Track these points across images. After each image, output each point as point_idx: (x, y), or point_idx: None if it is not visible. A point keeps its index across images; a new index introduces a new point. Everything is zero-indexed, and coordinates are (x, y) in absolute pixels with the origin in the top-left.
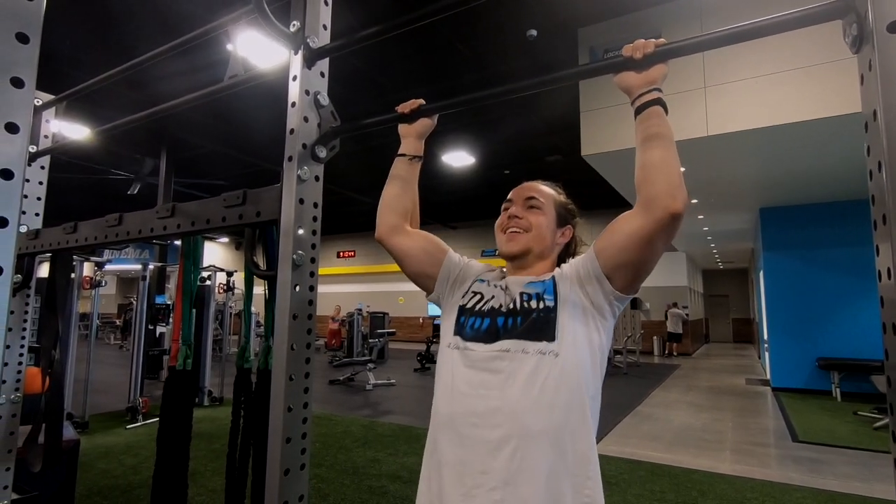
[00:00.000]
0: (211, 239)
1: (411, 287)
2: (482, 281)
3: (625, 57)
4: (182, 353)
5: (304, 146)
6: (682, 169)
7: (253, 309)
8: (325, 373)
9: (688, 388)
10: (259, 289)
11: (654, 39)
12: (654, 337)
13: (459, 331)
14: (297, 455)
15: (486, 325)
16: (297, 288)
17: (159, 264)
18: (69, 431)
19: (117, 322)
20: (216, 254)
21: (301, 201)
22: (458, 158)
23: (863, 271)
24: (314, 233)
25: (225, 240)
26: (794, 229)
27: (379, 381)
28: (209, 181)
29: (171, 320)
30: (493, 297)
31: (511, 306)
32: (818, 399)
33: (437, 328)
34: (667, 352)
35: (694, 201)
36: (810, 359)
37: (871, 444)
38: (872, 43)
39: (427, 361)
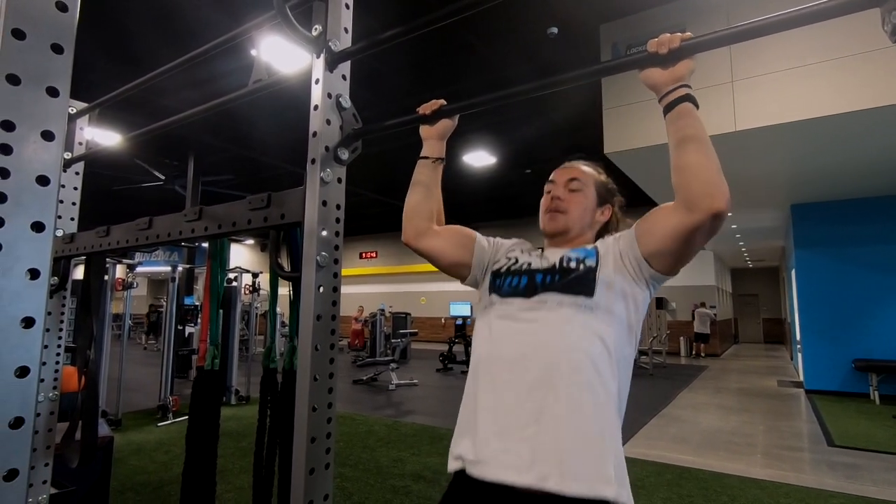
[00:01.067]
0: (237, 241)
1: (433, 287)
2: (516, 250)
3: (649, 52)
4: (210, 354)
5: (327, 149)
6: None
7: (278, 310)
8: (349, 373)
9: (716, 390)
10: (284, 289)
11: (679, 34)
12: (681, 337)
13: (496, 289)
14: (322, 455)
15: (524, 282)
16: (321, 289)
17: (188, 266)
18: (103, 429)
19: (150, 320)
20: (242, 255)
21: (324, 203)
22: (479, 158)
23: None
24: (337, 234)
25: (250, 242)
26: (828, 226)
27: (402, 381)
28: (228, 183)
29: (199, 321)
30: (528, 261)
31: (550, 266)
32: (855, 402)
33: (458, 328)
34: (694, 352)
35: None
36: (846, 360)
37: None
38: None
39: (449, 361)
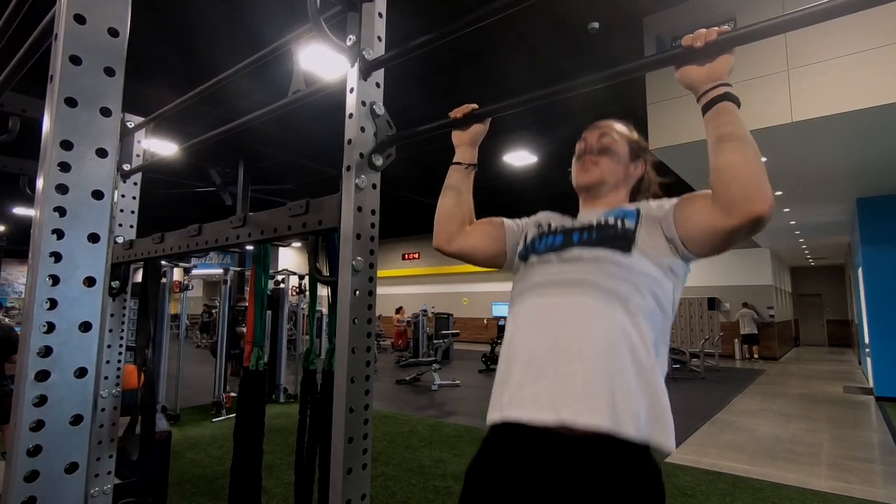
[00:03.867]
0: (285, 245)
1: (475, 288)
2: (548, 218)
3: (684, 47)
4: (255, 355)
5: (361, 156)
6: (765, 159)
7: (324, 310)
8: (392, 373)
9: (775, 396)
10: (324, 290)
11: (717, 27)
12: (735, 339)
13: (534, 250)
14: (359, 455)
15: (559, 240)
16: (357, 293)
17: (238, 269)
18: (162, 423)
19: (202, 319)
20: (289, 258)
21: (359, 209)
22: (520, 158)
23: None
24: (372, 239)
25: (297, 245)
26: None
27: (444, 382)
28: (281, 188)
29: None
30: (562, 223)
31: (587, 224)
32: None
33: (501, 329)
34: (747, 355)
35: (778, 193)
36: None
37: None
38: None
39: (492, 362)
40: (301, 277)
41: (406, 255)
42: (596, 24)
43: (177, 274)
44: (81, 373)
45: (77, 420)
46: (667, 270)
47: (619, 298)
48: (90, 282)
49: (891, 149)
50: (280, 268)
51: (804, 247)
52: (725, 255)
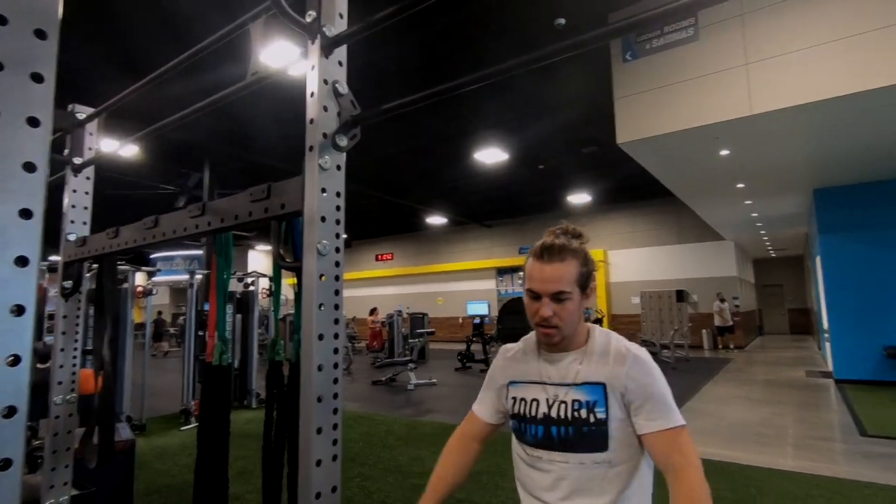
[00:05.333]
0: (243, 242)
1: (449, 287)
2: (514, 383)
3: None
4: (218, 349)
5: (325, 136)
6: (727, 152)
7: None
8: (368, 374)
9: (742, 382)
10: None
11: None
12: (703, 330)
13: (521, 438)
14: (329, 446)
15: (541, 433)
16: (323, 277)
17: (206, 272)
18: (126, 432)
19: (171, 330)
20: (259, 261)
21: (323, 190)
22: (491, 155)
23: None
24: (338, 222)
25: (267, 248)
26: (853, 210)
27: (420, 381)
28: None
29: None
30: (536, 398)
31: (563, 416)
32: (887, 390)
33: (476, 327)
34: (721, 346)
35: (740, 186)
36: (876, 348)
37: None
38: None
39: (467, 360)
40: (272, 279)
41: (379, 256)
42: (562, 21)
43: (139, 278)
44: (15, 360)
45: (10, 412)
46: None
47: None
48: (22, 261)
49: (845, 140)
50: (249, 270)
51: (765, 238)
52: (692, 248)
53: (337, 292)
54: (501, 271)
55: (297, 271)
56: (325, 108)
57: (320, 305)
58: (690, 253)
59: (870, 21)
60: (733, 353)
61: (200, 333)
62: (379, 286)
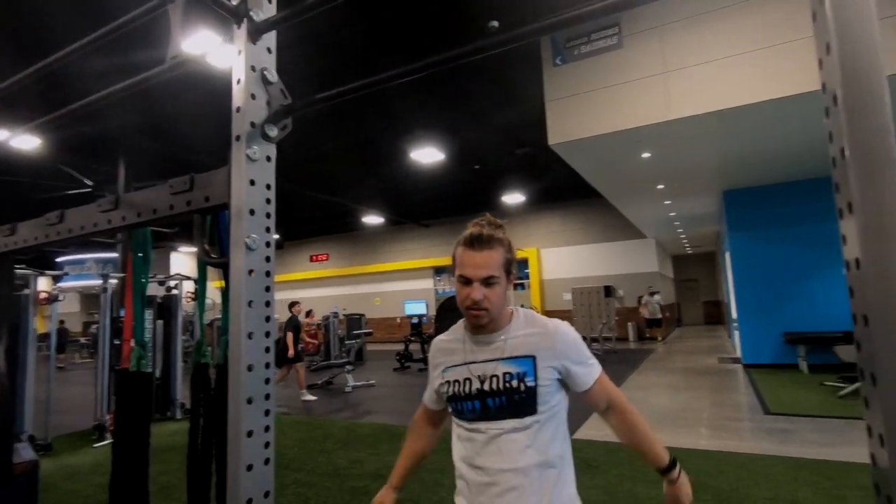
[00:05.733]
0: (174, 249)
1: (387, 288)
2: (448, 368)
3: None
4: (135, 354)
5: (253, 125)
6: (648, 155)
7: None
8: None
9: (664, 371)
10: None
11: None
12: (629, 323)
13: (458, 414)
14: (261, 449)
15: (478, 407)
16: (253, 273)
17: (122, 275)
18: (27, 452)
19: (82, 340)
20: (183, 263)
21: (252, 182)
22: (428, 155)
23: (822, 248)
24: (269, 216)
25: (192, 249)
26: (758, 210)
27: (358, 383)
28: None
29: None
30: (468, 377)
31: (496, 388)
32: (787, 372)
33: (414, 327)
34: (650, 337)
35: (660, 187)
36: (777, 334)
37: (837, 411)
38: None
39: (406, 360)
40: (196, 281)
41: (314, 257)
42: (496, 23)
43: (42, 283)
44: None
45: None
46: (564, 395)
47: (539, 460)
48: None
49: (753, 145)
50: (172, 273)
51: (683, 236)
52: (618, 245)
53: (268, 289)
54: (439, 270)
55: (224, 268)
56: (253, 96)
57: (249, 303)
58: (616, 250)
59: (777, 34)
60: (655, 344)
61: (117, 342)
62: (314, 288)
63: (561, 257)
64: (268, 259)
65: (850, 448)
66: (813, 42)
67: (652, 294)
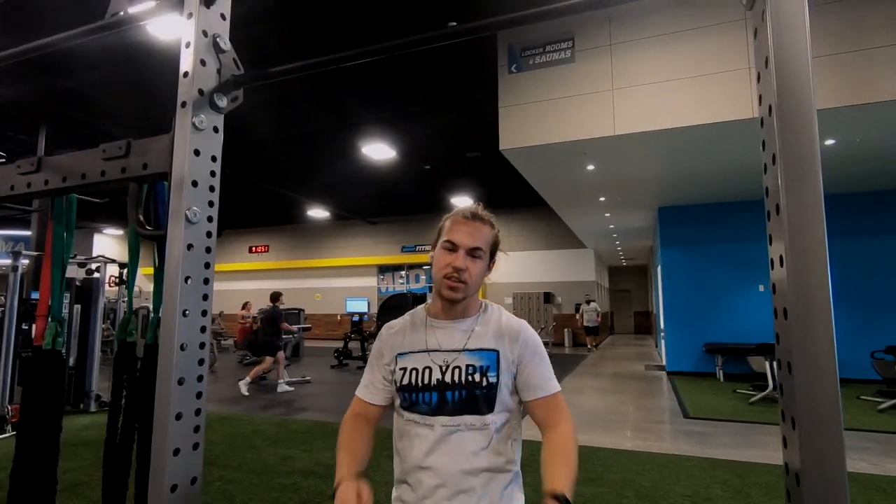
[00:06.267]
0: (99, 230)
1: (328, 284)
2: (403, 354)
3: None
4: (50, 331)
5: (201, 92)
6: (593, 167)
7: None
8: (235, 373)
9: (595, 375)
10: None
11: None
12: (566, 329)
13: (413, 406)
14: (190, 433)
15: (435, 400)
16: (192, 248)
17: (35, 254)
18: None
19: None
20: (107, 246)
21: (196, 152)
22: (379, 151)
23: (744, 266)
24: (212, 189)
25: (119, 232)
26: (688, 227)
27: (293, 379)
28: None
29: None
30: (428, 365)
31: (457, 380)
32: (705, 380)
33: (355, 324)
34: (588, 345)
35: (602, 199)
36: (698, 345)
37: (748, 416)
38: None
39: (345, 357)
40: (122, 266)
41: (253, 248)
42: (454, 24)
43: None
44: None
45: None
46: (516, 397)
47: (494, 460)
48: None
49: (687, 165)
50: (95, 254)
51: (619, 248)
52: (558, 254)
53: (207, 265)
54: (383, 269)
55: (160, 241)
56: (203, 62)
57: (187, 279)
58: (557, 258)
59: (716, 64)
60: (589, 350)
61: (25, 327)
62: (252, 280)
63: (504, 262)
64: (209, 234)
65: (757, 450)
66: (739, 75)
67: (588, 302)
